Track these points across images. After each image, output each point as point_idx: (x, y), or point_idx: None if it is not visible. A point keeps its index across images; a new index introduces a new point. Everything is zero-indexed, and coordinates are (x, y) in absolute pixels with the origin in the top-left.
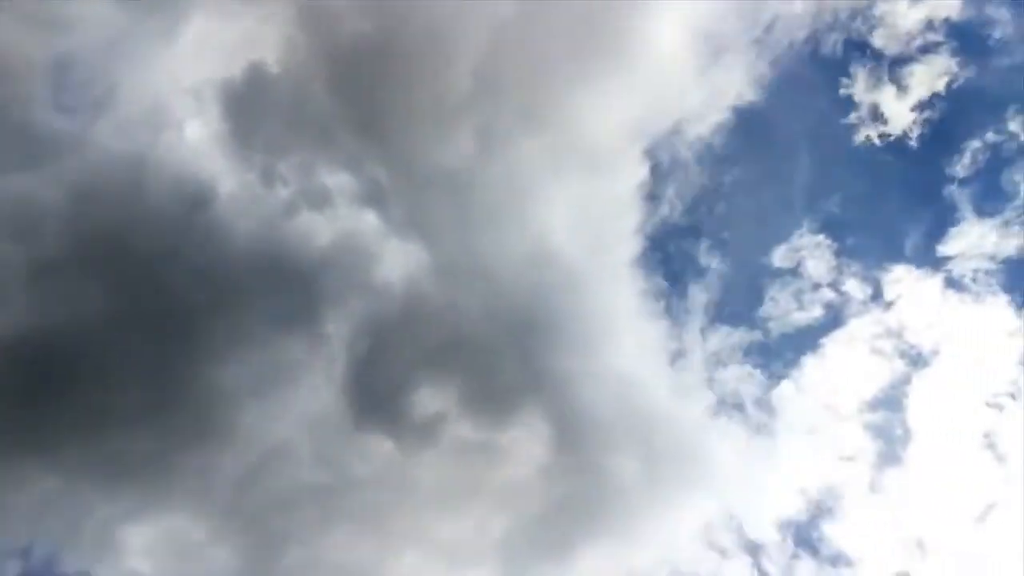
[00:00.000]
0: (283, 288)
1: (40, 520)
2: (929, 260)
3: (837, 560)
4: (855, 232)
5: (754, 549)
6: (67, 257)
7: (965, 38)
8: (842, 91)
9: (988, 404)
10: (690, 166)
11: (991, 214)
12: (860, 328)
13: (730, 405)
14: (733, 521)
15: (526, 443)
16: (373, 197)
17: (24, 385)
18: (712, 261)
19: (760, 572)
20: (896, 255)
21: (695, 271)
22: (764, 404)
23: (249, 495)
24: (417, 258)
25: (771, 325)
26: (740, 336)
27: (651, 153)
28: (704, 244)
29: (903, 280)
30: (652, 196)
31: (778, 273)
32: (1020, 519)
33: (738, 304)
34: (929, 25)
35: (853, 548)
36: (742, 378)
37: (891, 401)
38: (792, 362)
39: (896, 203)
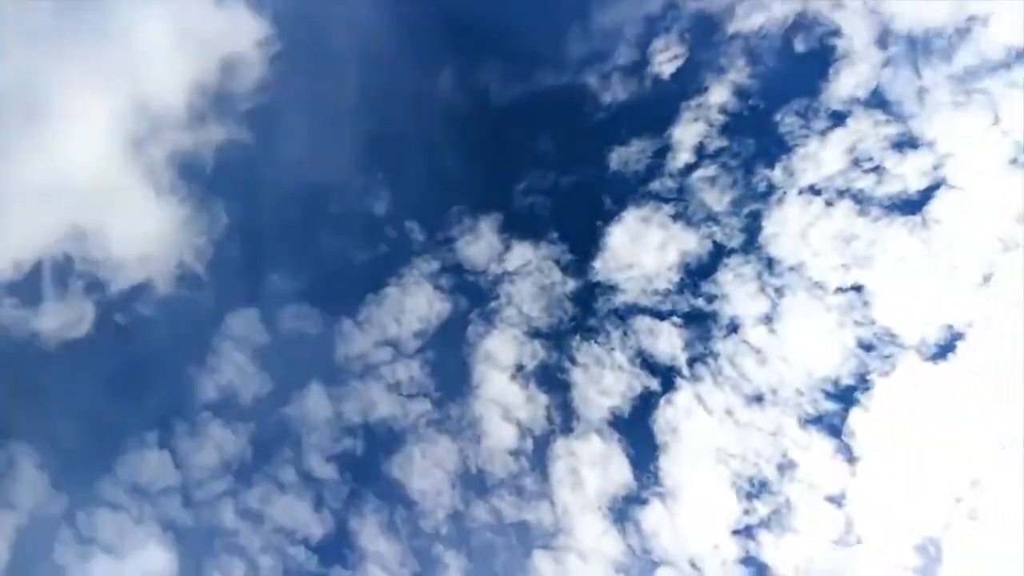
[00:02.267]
0: None
1: None
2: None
3: (392, 496)
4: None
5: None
6: None
7: None
8: None
9: (540, 335)
10: None
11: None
12: (421, 266)
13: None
14: None
15: None
16: None
17: None
18: None
19: None
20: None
21: None
22: (325, 341)
23: None
24: None
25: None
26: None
27: None
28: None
29: (464, 220)
30: None
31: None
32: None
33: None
34: None
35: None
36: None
37: (451, 335)
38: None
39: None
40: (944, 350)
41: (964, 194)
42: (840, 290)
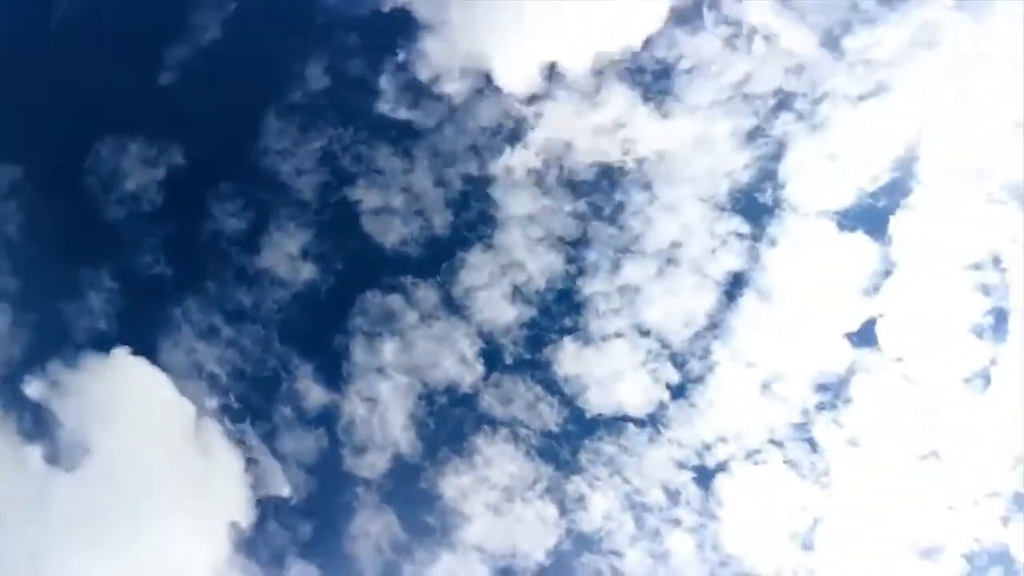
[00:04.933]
0: None
1: None
2: None
3: None
4: None
5: None
6: None
7: None
8: None
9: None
10: None
11: None
12: None
13: None
14: None
15: None
16: None
17: None
18: None
19: None
20: None
21: None
22: None
23: None
24: None
25: None
26: None
27: None
28: None
29: None
30: None
31: None
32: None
33: None
34: None
35: None
36: None
37: None
38: None
39: None
40: (434, 266)
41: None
42: (326, 207)
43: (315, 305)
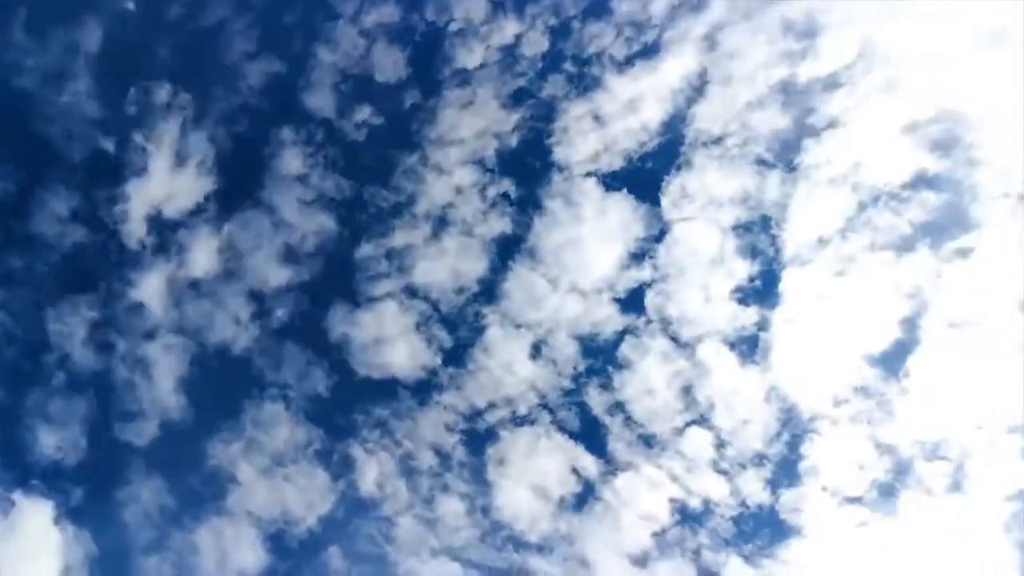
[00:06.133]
0: None
1: None
2: None
3: None
4: None
5: None
6: None
7: None
8: None
9: None
10: None
11: None
12: None
13: None
14: None
15: None
16: None
17: None
18: None
19: None
20: None
21: None
22: None
23: None
24: None
25: None
26: None
27: None
28: None
29: None
30: None
31: None
32: None
33: None
34: None
35: None
36: None
37: None
38: None
39: None
40: (205, 227)
41: None
42: (95, 169)
43: (85, 268)
